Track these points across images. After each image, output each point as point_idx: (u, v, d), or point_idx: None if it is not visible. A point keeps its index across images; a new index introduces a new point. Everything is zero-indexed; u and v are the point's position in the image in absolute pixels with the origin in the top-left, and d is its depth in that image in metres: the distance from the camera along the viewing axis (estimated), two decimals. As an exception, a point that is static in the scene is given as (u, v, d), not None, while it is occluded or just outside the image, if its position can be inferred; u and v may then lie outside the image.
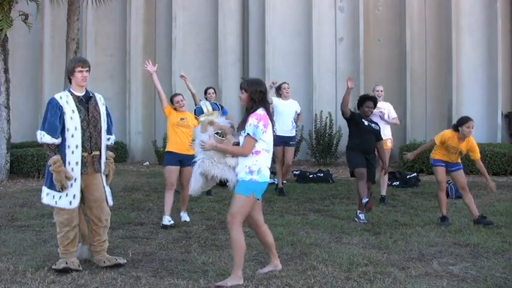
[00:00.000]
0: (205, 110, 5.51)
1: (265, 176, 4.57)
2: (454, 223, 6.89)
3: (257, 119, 4.53)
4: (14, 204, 8.27)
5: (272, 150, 4.71)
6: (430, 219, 7.17)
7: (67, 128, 4.82)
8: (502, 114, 13.68)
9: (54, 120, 4.78)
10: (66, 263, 4.80)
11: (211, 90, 9.45)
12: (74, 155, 4.83)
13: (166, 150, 7.15)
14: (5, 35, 10.68)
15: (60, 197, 4.80)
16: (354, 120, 7.24)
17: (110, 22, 15.13)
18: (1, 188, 10.09)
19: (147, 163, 14.23)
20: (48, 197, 4.87)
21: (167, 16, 14.75)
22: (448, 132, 7.00)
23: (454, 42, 13.56)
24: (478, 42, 13.88)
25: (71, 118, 4.83)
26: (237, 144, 4.65)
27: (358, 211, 7.18)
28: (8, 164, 10.99)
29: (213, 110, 5.50)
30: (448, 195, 8.89)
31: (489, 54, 13.71)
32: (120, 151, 14.08)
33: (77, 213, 4.91)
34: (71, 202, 4.82)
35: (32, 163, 11.13)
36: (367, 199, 6.84)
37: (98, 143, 4.99)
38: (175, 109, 7.10)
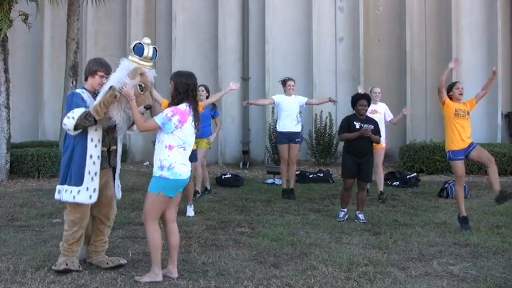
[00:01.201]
0: (145, 53, 4.92)
1: (177, 174, 4.47)
2: (454, 223, 6.89)
3: (173, 111, 4.45)
4: (14, 204, 8.26)
5: (191, 149, 4.61)
6: (430, 219, 7.17)
7: None
8: (502, 114, 13.68)
9: (82, 106, 4.72)
10: (67, 264, 4.77)
11: (201, 88, 8.39)
12: (97, 148, 4.78)
13: None
14: (5, 35, 10.67)
15: (79, 191, 4.70)
16: (348, 124, 7.25)
17: (110, 22, 15.12)
18: (1, 188, 10.08)
19: (147, 163, 14.21)
20: (66, 193, 4.74)
21: (167, 16, 14.73)
22: (447, 103, 6.89)
23: (454, 42, 13.55)
24: (478, 42, 13.88)
25: None
26: (150, 107, 4.72)
27: (358, 211, 7.19)
28: (8, 164, 10.98)
29: (152, 59, 4.93)
30: (448, 196, 8.94)
31: (489, 54, 13.70)
32: (120, 151, 14.05)
33: (89, 213, 4.86)
34: (91, 196, 4.73)
35: (32, 163, 11.11)
36: (345, 210, 7.24)
37: (114, 138, 4.98)
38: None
